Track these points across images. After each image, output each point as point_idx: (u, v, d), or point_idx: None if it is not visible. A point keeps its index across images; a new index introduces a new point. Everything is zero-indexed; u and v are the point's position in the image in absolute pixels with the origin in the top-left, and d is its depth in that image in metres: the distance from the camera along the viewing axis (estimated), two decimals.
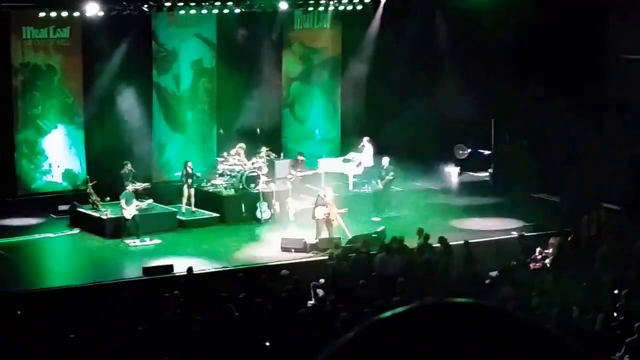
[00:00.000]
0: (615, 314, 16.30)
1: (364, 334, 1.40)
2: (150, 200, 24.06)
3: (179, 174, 25.58)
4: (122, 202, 23.24)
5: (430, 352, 1.33)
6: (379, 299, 17.24)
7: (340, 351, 1.41)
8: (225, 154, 26.21)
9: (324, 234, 22.66)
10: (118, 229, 23.37)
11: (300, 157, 26.62)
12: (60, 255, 23.21)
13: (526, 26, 26.39)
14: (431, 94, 28.00)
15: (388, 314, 1.41)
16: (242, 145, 26.18)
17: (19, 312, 17.02)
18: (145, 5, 25.12)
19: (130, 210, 23.15)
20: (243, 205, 25.06)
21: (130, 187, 23.70)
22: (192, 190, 25.06)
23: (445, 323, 1.35)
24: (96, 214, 24.12)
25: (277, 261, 21.38)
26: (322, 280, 19.28)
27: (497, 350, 1.32)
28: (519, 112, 27.12)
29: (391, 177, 25.40)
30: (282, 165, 26.86)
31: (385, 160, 25.65)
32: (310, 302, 18.04)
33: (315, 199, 23.37)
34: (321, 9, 28.03)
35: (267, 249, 22.69)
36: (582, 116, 25.01)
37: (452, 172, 29.37)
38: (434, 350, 1.32)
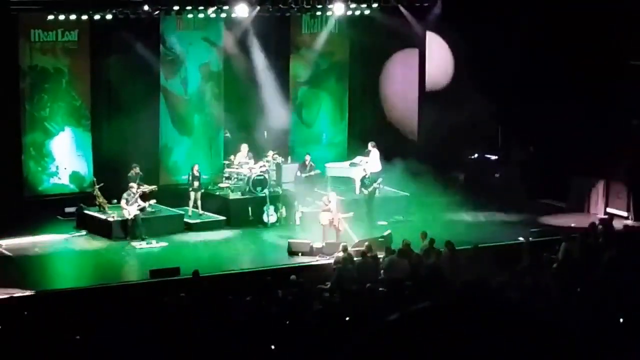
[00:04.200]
0: (621, 319, 16.29)
1: (377, 334, 1.37)
2: (153, 201, 24.13)
3: (186, 177, 25.69)
4: (123, 202, 23.34)
5: (444, 348, 1.31)
6: (385, 303, 17.25)
7: (355, 350, 1.38)
8: (232, 157, 26.31)
9: (331, 238, 22.69)
10: (125, 231, 23.46)
11: (307, 159, 26.76)
12: (67, 257, 23.23)
13: (534, 32, 26.38)
14: (438, 99, 27.99)
15: (399, 314, 1.38)
16: (246, 145, 26.33)
17: (25, 313, 17.05)
18: (153, 9, 25.12)
19: (131, 210, 23.25)
20: (250, 208, 25.12)
21: (134, 188, 23.73)
22: (199, 194, 25.17)
23: (456, 322, 1.33)
24: (103, 216, 24.18)
25: (284, 265, 21.43)
26: (328, 284, 19.29)
27: (512, 345, 1.31)
28: (526, 118, 27.12)
29: (377, 186, 25.44)
30: (289, 169, 26.93)
31: (371, 167, 25.89)
32: (316, 306, 18.03)
33: (321, 204, 23.45)
34: (329, 13, 28.04)
35: (273, 252, 22.73)
36: (590, 122, 25.01)
37: (459, 177, 29.33)
38: (447, 346, 1.31)
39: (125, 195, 23.53)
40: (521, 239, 22.38)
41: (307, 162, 26.80)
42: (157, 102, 26.92)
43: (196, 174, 25.25)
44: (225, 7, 25.91)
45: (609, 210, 25.46)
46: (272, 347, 15.43)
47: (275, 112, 28.35)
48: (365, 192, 25.40)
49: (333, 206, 23.04)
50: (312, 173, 26.67)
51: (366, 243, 21.47)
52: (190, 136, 27.51)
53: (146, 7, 24.71)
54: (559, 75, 26.21)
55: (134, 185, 23.88)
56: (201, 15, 26.18)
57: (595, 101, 25.21)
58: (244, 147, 26.40)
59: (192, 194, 25.16)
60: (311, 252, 22.24)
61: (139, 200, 23.67)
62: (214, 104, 27.66)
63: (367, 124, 29.17)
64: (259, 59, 27.83)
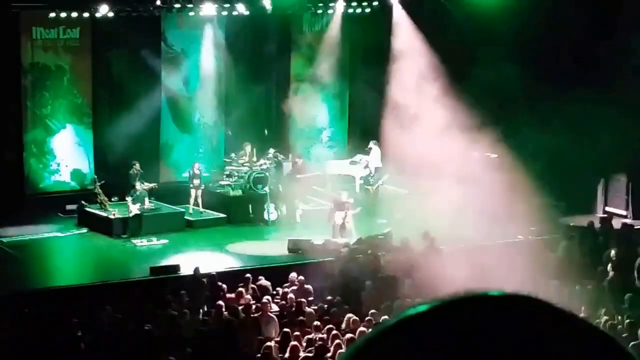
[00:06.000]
0: (619, 317, 16.37)
1: (398, 329, 1.30)
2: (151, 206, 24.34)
3: (187, 174, 25.76)
4: (129, 200, 23.45)
5: (471, 345, 1.23)
6: (385, 301, 17.32)
7: (370, 348, 1.31)
8: (233, 155, 26.35)
9: (336, 237, 22.65)
10: (125, 228, 23.53)
11: (299, 160, 26.70)
12: (68, 254, 23.30)
13: (533, 32, 26.40)
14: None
15: (421, 308, 1.29)
16: (249, 144, 26.35)
17: (26, 311, 17.12)
18: (155, 7, 25.19)
19: (132, 208, 23.34)
20: (250, 206, 25.17)
21: (138, 187, 23.82)
22: (200, 191, 25.23)
23: (485, 315, 1.25)
24: (104, 214, 24.24)
25: (284, 262, 21.48)
26: (328, 281, 19.34)
27: (541, 341, 1.22)
28: (525, 117, 27.14)
29: (381, 183, 25.49)
30: (290, 167, 26.95)
31: (373, 165, 25.91)
32: (316, 303, 18.11)
33: (331, 204, 23.41)
34: (330, 12, 28.08)
35: (274, 249, 22.76)
36: (589, 121, 25.02)
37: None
38: (474, 344, 1.22)
39: (132, 192, 23.65)
40: (520, 237, 22.42)
41: (298, 164, 26.73)
42: (158, 99, 26.99)
43: (197, 171, 25.30)
44: (227, 5, 25.97)
45: (607, 209, 25.52)
46: (272, 344, 15.51)
47: (275, 110, 28.40)
48: (371, 189, 25.40)
49: (347, 205, 23.08)
50: (301, 176, 26.54)
51: (366, 241, 21.53)
52: (191, 134, 27.58)
53: (158, 2, 24.78)
54: (559, 75, 26.24)
55: (137, 185, 23.96)
56: (202, 13, 26.23)
57: (595, 101, 25.23)
58: (248, 147, 26.31)
59: (192, 192, 25.21)
60: (311, 249, 22.26)
61: (146, 200, 23.78)
62: (214, 102, 27.72)
63: (368, 122, 29.18)
64: (260, 56, 27.88)
